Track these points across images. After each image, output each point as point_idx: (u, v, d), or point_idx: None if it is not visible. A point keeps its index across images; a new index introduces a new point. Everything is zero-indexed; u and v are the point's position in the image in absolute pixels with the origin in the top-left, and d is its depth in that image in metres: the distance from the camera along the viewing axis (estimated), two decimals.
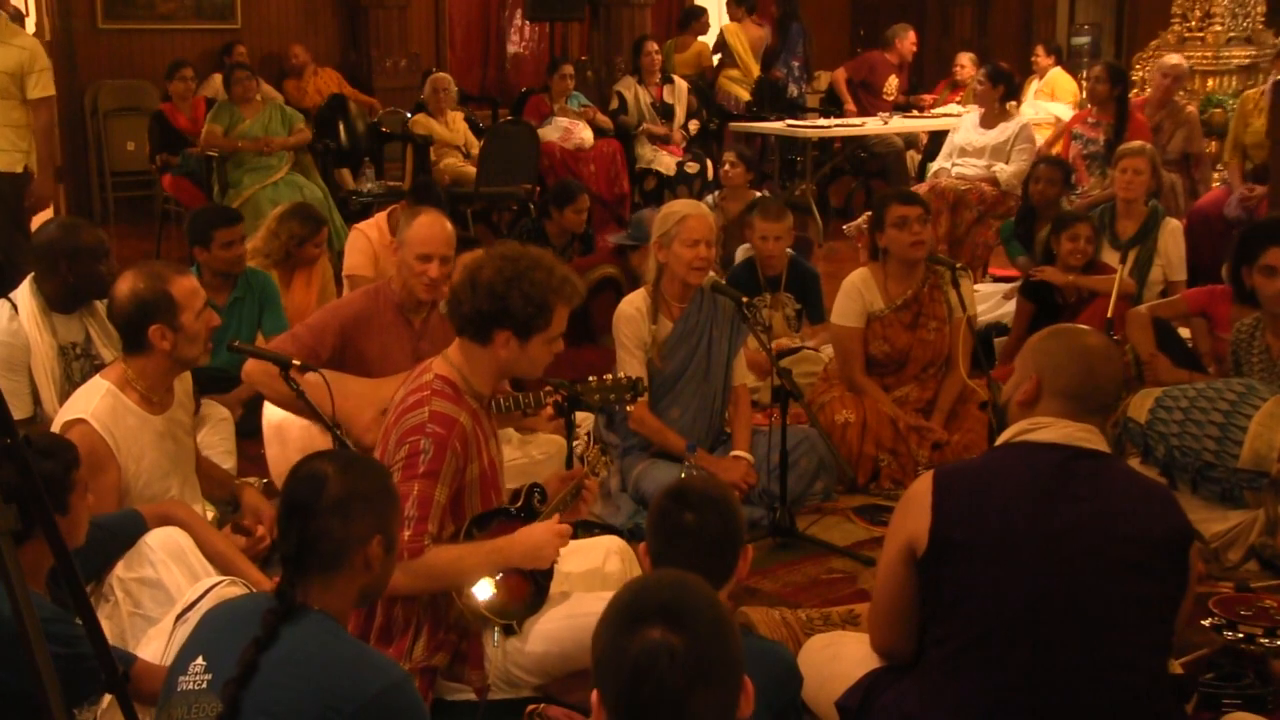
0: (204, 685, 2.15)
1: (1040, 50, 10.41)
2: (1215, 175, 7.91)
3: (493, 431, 3.19)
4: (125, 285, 3.37)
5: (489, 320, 2.99)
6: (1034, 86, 10.19)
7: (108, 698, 2.60)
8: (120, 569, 3.05)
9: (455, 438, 2.94)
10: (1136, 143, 6.39)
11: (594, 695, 1.75)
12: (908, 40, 10.86)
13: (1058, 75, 10.13)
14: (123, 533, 3.09)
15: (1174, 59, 7.95)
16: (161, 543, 3.08)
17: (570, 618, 3.04)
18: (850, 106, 10.56)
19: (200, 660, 2.18)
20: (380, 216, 6.07)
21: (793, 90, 10.91)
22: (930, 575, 2.50)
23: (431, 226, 4.19)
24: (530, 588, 3.08)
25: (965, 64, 10.76)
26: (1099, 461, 2.50)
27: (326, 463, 2.26)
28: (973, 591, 2.46)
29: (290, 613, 2.15)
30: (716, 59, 11.07)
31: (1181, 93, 8.12)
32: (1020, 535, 2.43)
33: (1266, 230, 4.32)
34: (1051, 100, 9.88)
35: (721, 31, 11.05)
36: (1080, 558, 2.40)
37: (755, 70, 10.77)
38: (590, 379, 3.78)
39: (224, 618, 2.29)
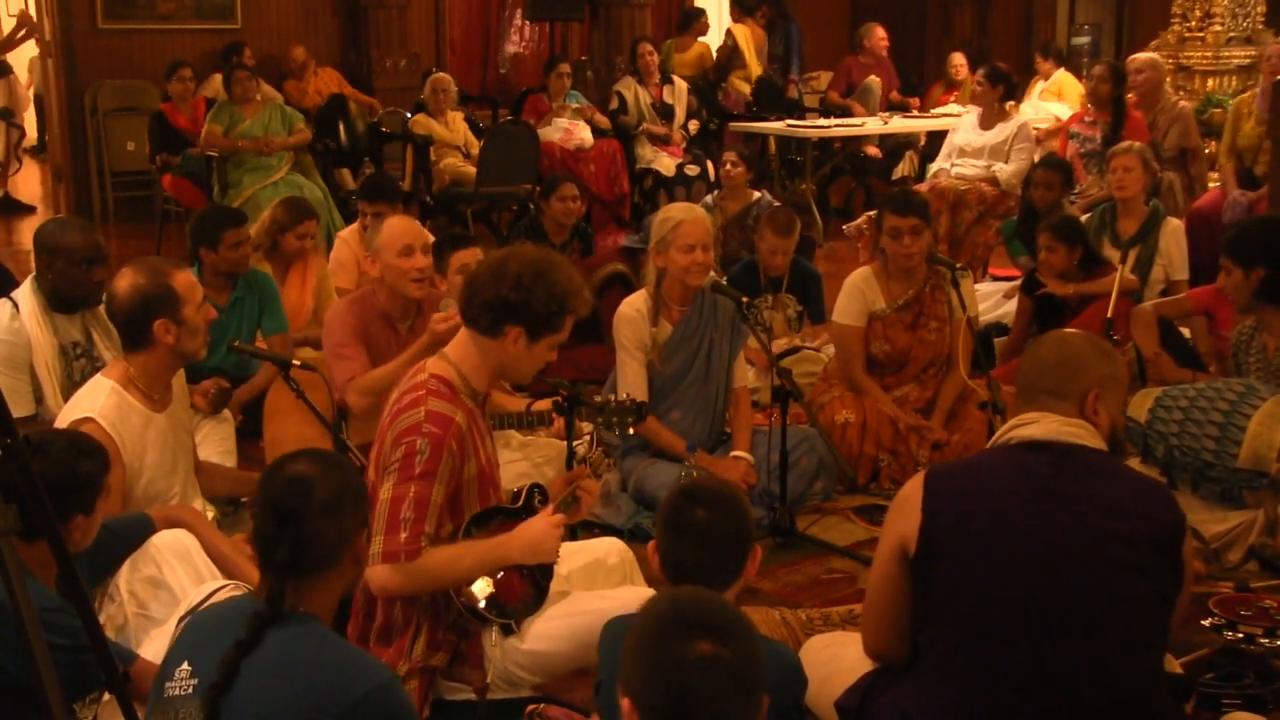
0: (190, 690, 2.14)
1: (1038, 57, 10.42)
2: (1213, 175, 7.91)
3: (488, 429, 3.19)
4: (125, 281, 3.37)
5: (507, 311, 2.97)
6: (1039, 87, 10.20)
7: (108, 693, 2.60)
8: (126, 570, 3.05)
9: (451, 437, 2.93)
10: (1126, 142, 6.42)
11: (625, 703, 1.80)
12: (876, 37, 10.87)
13: (1063, 77, 10.13)
14: (132, 535, 3.08)
15: (1142, 55, 7.93)
16: (167, 544, 3.08)
17: (569, 617, 3.04)
18: (859, 108, 10.56)
19: (186, 665, 2.18)
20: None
21: (792, 91, 10.93)
22: (921, 576, 2.50)
23: (402, 223, 4.27)
24: (529, 587, 3.08)
25: (960, 64, 10.76)
26: (1089, 459, 2.49)
27: (305, 465, 2.24)
28: (963, 593, 2.46)
29: (278, 618, 2.14)
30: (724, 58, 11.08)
31: (1180, 92, 8.12)
32: (1010, 537, 2.43)
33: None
34: (1058, 101, 9.89)
35: (729, 31, 11.07)
36: (1071, 558, 2.40)
37: (756, 70, 10.79)
38: (595, 398, 3.76)
39: (209, 622, 2.28)
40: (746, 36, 10.87)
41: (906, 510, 2.52)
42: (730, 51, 10.89)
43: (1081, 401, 2.54)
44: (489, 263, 3.05)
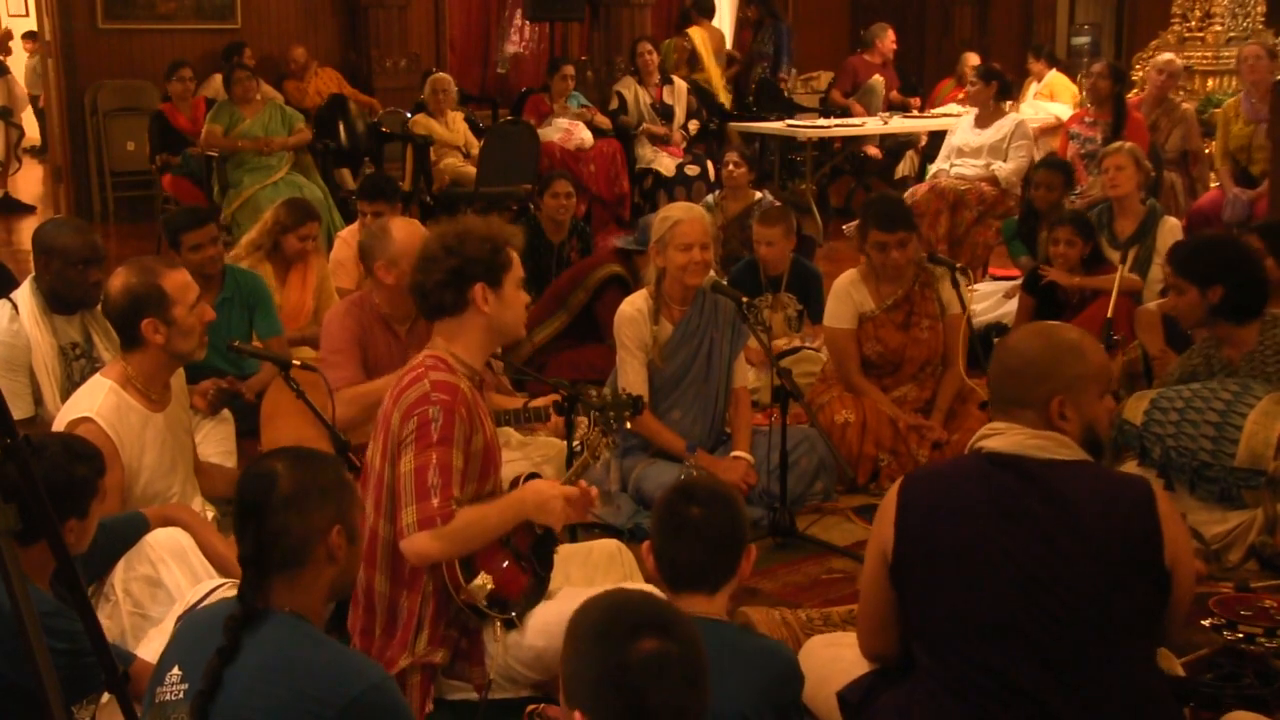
0: (180, 695, 2.13)
1: (1030, 58, 10.44)
2: (1214, 175, 7.94)
3: (489, 413, 3.21)
4: (118, 281, 3.37)
5: (459, 278, 3.01)
6: (1033, 89, 10.21)
7: (107, 694, 2.60)
8: (121, 568, 3.05)
9: (460, 403, 2.94)
10: (1116, 143, 6.44)
11: (576, 716, 1.76)
12: (887, 39, 10.89)
13: (1055, 78, 10.13)
14: (126, 534, 3.08)
15: (1169, 57, 7.98)
16: (163, 542, 3.09)
17: (569, 614, 3.03)
18: (858, 108, 10.56)
19: (176, 670, 2.17)
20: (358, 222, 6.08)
21: (785, 90, 10.95)
22: (897, 584, 2.51)
23: (408, 227, 4.24)
24: (530, 580, 3.09)
25: (974, 65, 10.76)
26: (1054, 477, 2.42)
27: (276, 460, 2.23)
28: (935, 614, 2.46)
29: (252, 618, 2.13)
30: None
31: (1180, 91, 8.13)
32: (978, 560, 2.41)
33: None
34: (1051, 101, 9.89)
35: (686, 34, 11.05)
36: (1041, 582, 2.36)
37: (717, 72, 10.79)
38: (592, 392, 3.76)
39: (200, 625, 2.27)
40: (704, 38, 10.90)
41: (885, 518, 2.53)
42: (688, 54, 10.90)
43: (1045, 409, 2.46)
44: (415, 266, 3.12)
